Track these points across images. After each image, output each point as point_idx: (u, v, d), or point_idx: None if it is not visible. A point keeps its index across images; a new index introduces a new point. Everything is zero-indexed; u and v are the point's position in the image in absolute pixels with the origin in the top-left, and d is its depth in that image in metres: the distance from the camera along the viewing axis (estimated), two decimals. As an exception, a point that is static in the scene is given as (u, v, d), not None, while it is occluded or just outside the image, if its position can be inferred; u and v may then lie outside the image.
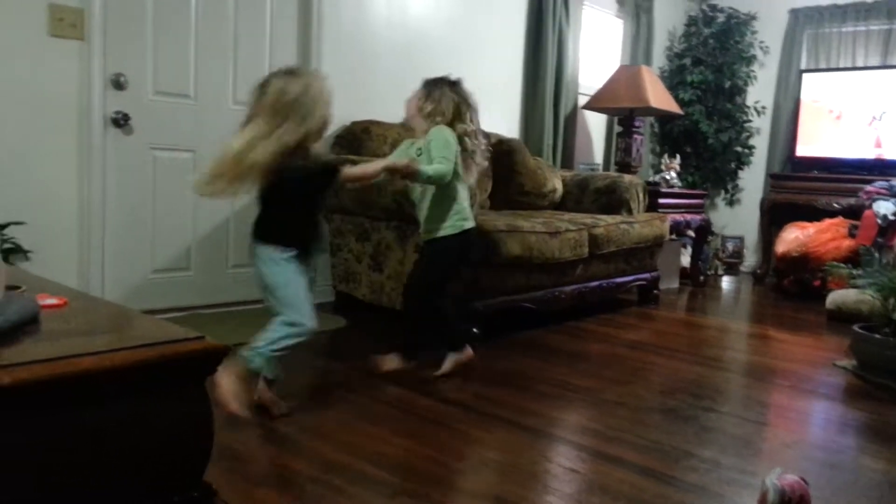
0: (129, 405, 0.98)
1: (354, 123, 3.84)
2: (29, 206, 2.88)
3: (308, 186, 2.21)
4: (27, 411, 0.89)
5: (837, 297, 4.25)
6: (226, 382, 2.04)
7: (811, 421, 2.54)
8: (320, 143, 2.39)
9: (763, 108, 6.13)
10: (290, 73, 2.16)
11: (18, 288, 1.30)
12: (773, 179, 5.82)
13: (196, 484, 1.10)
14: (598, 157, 5.83)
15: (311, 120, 2.11)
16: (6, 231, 2.73)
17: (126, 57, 3.13)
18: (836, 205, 5.28)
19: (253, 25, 3.57)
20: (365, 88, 4.04)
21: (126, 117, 3.14)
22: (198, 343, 1.02)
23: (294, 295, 2.18)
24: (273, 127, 2.05)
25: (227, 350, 1.05)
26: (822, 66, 5.89)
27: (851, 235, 4.78)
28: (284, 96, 2.06)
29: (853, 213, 5.00)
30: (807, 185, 5.55)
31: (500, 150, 4.35)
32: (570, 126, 5.29)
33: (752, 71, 6.13)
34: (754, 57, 6.16)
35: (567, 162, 5.27)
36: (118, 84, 3.11)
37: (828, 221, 5.01)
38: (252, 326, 3.24)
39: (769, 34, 6.10)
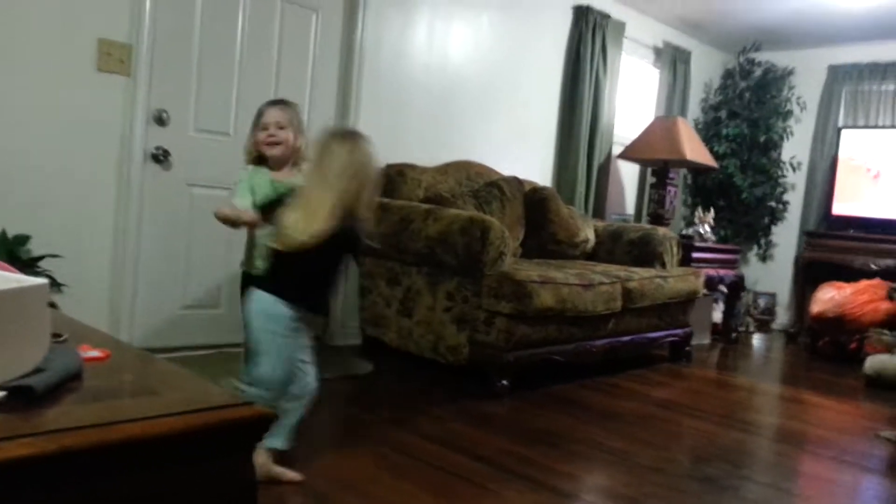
0: (172, 473, 0.94)
1: (389, 166, 3.84)
2: (64, 238, 2.89)
3: None
4: (68, 480, 0.85)
5: (876, 362, 4.14)
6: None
7: (856, 496, 2.44)
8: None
9: (798, 163, 6.06)
10: None
11: (61, 336, 1.27)
12: (809, 237, 5.72)
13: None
14: (630, 207, 5.78)
15: None
16: (41, 263, 2.73)
17: (169, 93, 3.16)
18: (873, 265, 5.17)
19: (295, 68, 3.59)
20: (401, 132, 4.05)
21: (166, 153, 3.16)
22: (245, 410, 0.98)
23: None
24: None
25: (275, 417, 1.01)
26: (860, 123, 5.83)
27: (891, 298, 4.67)
28: None
29: (891, 274, 4.89)
30: (843, 245, 5.45)
31: (534, 197, 4.32)
32: (603, 175, 5.26)
33: (789, 126, 6.09)
34: (790, 112, 6.11)
35: (599, 211, 5.23)
36: (160, 120, 3.14)
37: (865, 282, 4.90)
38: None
39: (806, 89, 6.06)
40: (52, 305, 1.28)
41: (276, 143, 2.33)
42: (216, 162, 3.34)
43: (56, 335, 1.26)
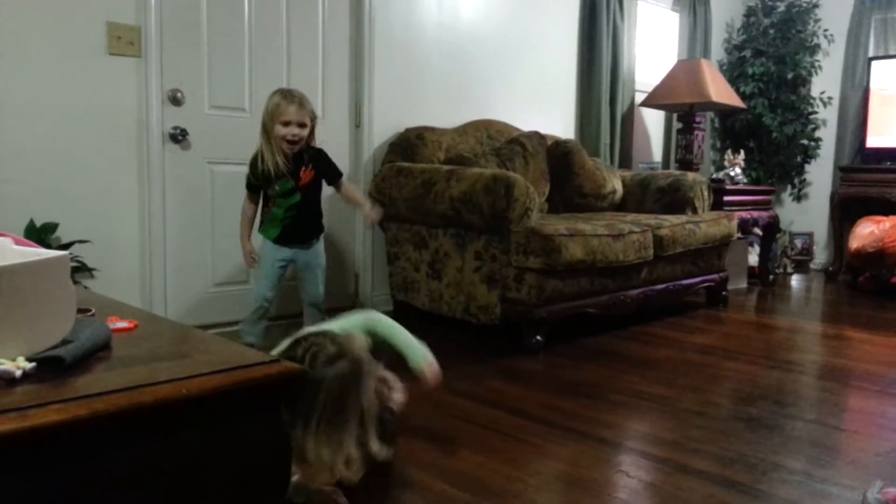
0: (203, 433, 0.94)
1: (408, 130, 3.80)
2: (91, 223, 2.91)
3: None
4: (101, 444, 0.85)
5: (920, 293, 4.04)
6: None
7: (905, 428, 2.38)
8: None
9: (829, 98, 5.88)
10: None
11: (88, 311, 1.27)
12: (843, 172, 5.58)
13: (273, 512, 1.05)
14: (657, 155, 5.68)
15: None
16: (71, 250, 2.75)
17: (182, 73, 3.14)
18: (912, 197, 5.04)
19: (305, 36, 3.55)
20: (417, 94, 4.00)
21: (184, 132, 3.15)
22: (273, 367, 0.97)
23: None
24: None
25: (304, 373, 1.00)
26: (892, 52, 5.62)
27: (931, 228, 4.54)
28: None
29: (931, 204, 4.76)
30: (879, 178, 5.30)
31: (557, 151, 4.26)
32: (627, 124, 5.16)
33: (817, 60, 5.90)
34: (818, 46, 5.92)
35: (625, 161, 5.14)
36: (175, 100, 3.13)
37: (904, 214, 4.78)
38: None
39: (833, 21, 5.86)
40: (73, 280, 1.28)
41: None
42: (234, 138, 3.33)
43: (84, 310, 1.27)
